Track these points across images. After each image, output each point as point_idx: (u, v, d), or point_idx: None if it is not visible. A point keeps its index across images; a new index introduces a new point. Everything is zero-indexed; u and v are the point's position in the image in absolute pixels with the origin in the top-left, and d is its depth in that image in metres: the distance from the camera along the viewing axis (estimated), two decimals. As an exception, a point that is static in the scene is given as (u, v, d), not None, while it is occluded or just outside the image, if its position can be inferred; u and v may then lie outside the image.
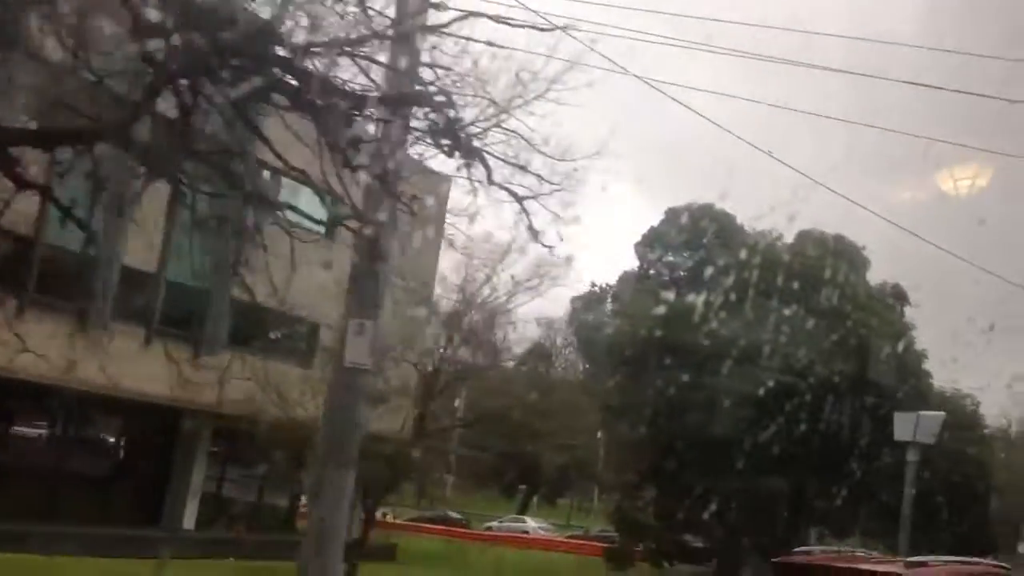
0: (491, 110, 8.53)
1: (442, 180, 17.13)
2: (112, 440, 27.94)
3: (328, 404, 10.37)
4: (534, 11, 8.90)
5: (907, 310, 35.89)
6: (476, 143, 8.44)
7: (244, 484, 29.67)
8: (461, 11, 8.48)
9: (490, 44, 8.76)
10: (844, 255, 33.44)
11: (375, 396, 20.86)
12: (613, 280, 43.95)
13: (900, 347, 33.57)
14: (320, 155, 8.61)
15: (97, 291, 22.85)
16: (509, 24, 8.56)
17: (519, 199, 9.16)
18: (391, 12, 8.79)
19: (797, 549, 13.99)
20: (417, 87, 8.13)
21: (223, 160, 8.98)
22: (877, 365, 32.10)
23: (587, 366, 45.17)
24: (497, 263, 24.36)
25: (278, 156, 8.38)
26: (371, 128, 8.98)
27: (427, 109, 8.04)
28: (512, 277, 25.10)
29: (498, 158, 8.75)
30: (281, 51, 8.10)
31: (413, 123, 8.23)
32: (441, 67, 8.25)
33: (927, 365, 34.96)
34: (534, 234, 9.62)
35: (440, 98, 8.02)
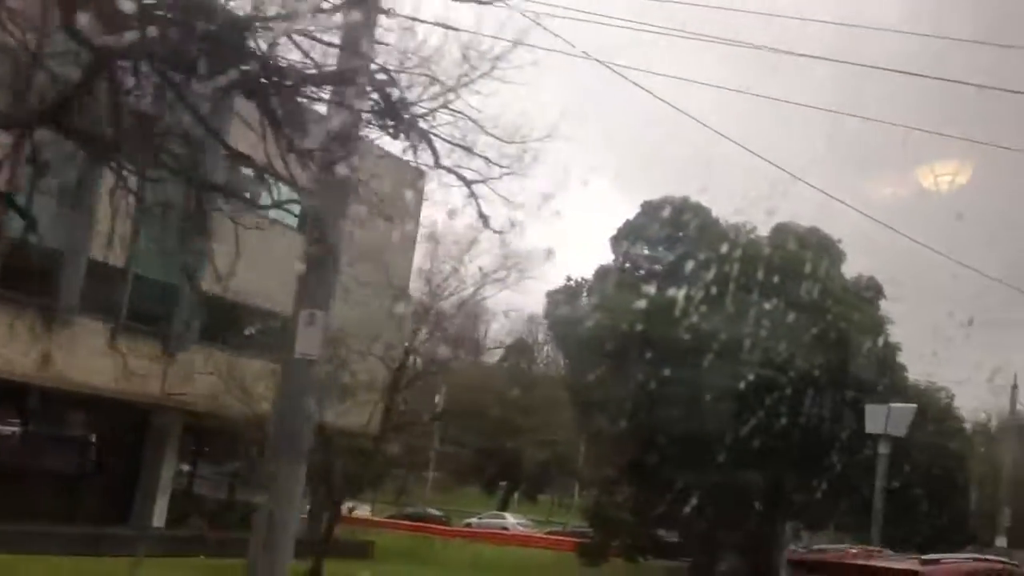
0: (436, 89, 8.24)
1: (419, 174, 16.84)
2: (80, 437, 27.49)
3: (278, 396, 10.08)
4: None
5: (887, 304, 35.80)
6: (423, 124, 8.15)
7: (215, 481, 29.30)
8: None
9: (441, 25, 8.51)
10: (821, 248, 33.33)
11: (340, 390, 20.66)
12: (589, 274, 43.63)
13: (880, 341, 33.58)
14: (264, 137, 8.35)
15: (63, 286, 22.52)
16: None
17: (467, 183, 8.88)
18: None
19: (814, 547, 13.76)
20: (357, 65, 7.82)
21: (164, 143, 8.67)
22: (857, 359, 32.05)
23: (566, 361, 44.89)
24: (464, 253, 23.86)
25: (216, 137, 8.06)
26: (318, 110, 8.71)
27: (369, 88, 7.75)
28: (480, 269, 24.61)
29: (446, 140, 8.46)
30: (221, 27, 7.79)
31: (357, 104, 7.92)
32: (383, 43, 7.95)
33: (902, 358, 34.93)
34: (484, 220, 9.35)
35: (381, 76, 7.73)
